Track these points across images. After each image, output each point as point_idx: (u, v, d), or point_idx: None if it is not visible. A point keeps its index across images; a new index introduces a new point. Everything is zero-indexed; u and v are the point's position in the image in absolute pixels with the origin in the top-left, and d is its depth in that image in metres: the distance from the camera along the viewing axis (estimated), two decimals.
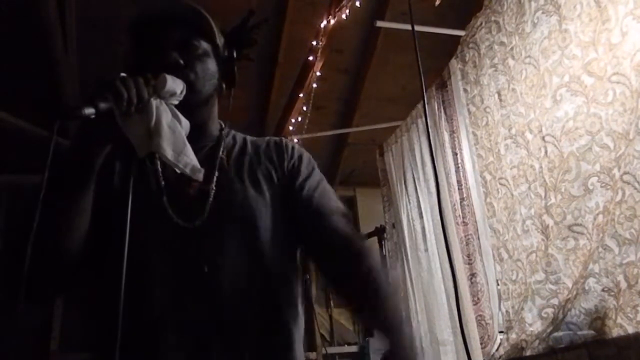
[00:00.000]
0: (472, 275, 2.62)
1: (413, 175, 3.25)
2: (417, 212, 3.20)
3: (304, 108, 3.95)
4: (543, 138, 2.12)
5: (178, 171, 0.83)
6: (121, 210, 0.81)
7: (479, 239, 2.61)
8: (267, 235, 0.95)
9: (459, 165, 2.74)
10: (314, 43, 3.46)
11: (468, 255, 2.66)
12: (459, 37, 2.77)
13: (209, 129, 1.04)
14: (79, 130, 0.81)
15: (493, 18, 2.46)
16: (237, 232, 0.92)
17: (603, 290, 1.81)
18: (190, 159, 0.83)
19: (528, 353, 2.10)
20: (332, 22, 3.28)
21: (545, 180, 2.09)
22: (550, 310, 2.04)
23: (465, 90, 2.69)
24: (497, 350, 2.38)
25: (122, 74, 0.79)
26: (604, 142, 1.84)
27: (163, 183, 0.93)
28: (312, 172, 1.06)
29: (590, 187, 1.89)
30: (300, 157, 1.07)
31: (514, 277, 2.26)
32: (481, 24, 2.55)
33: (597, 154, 1.87)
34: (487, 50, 2.50)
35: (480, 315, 2.54)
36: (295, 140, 4.11)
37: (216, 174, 0.96)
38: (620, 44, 1.80)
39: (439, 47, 3.25)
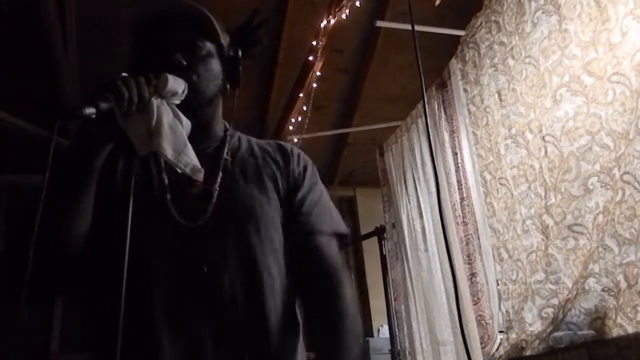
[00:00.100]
0: (472, 275, 2.62)
1: (413, 175, 3.25)
2: (417, 212, 3.20)
3: (304, 108, 3.95)
4: (543, 138, 2.12)
5: (179, 171, 0.83)
6: (122, 210, 0.81)
7: (479, 239, 2.61)
8: (270, 237, 0.95)
9: (459, 165, 2.74)
10: (314, 43, 3.47)
11: (468, 255, 2.66)
12: (459, 37, 2.77)
13: (213, 129, 1.03)
14: (79, 130, 0.81)
15: (493, 18, 2.46)
16: (240, 233, 0.92)
17: (603, 290, 1.81)
18: (190, 159, 0.83)
19: (528, 353, 2.10)
20: (332, 22, 3.28)
21: (545, 180, 2.10)
22: (550, 310, 2.04)
23: (465, 90, 2.69)
24: (497, 350, 2.38)
25: (124, 74, 0.79)
26: (604, 142, 1.84)
27: (166, 181, 0.93)
28: (315, 186, 1.06)
29: (590, 187, 1.89)
30: (305, 168, 1.06)
31: (514, 277, 2.26)
32: (481, 23, 2.55)
33: (597, 154, 1.87)
34: (487, 50, 2.50)
35: (480, 315, 2.54)
36: (295, 140, 4.11)
37: (220, 174, 0.96)
38: (620, 44, 1.80)
39: (439, 47, 3.25)
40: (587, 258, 1.88)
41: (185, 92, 0.88)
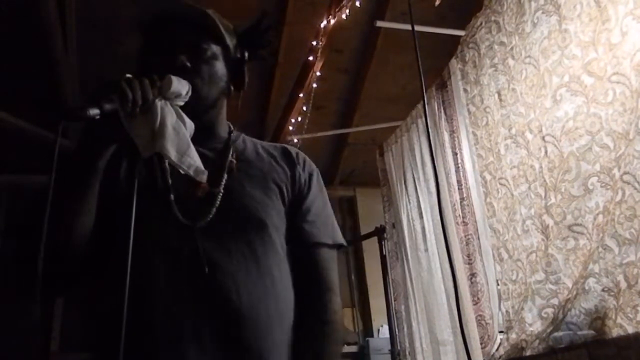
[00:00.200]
0: (472, 275, 2.62)
1: (413, 175, 3.25)
2: (417, 212, 3.20)
3: (304, 108, 3.95)
4: (543, 138, 2.12)
5: (182, 172, 0.83)
6: (126, 211, 0.81)
7: (479, 239, 2.61)
8: (274, 239, 0.95)
9: (459, 165, 2.74)
10: (314, 43, 3.47)
11: (468, 255, 2.66)
12: (459, 37, 2.77)
13: (217, 131, 1.03)
14: (83, 131, 0.82)
15: (493, 18, 2.46)
16: (243, 235, 0.92)
17: (603, 290, 1.81)
18: (193, 160, 0.83)
19: (528, 353, 2.10)
20: (332, 22, 3.28)
21: (545, 180, 2.10)
22: (550, 310, 2.04)
23: (465, 90, 2.69)
24: (497, 350, 2.38)
25: (128, 75, 0.79)
26: (604, 142, 1.84)
27: (170, 182, 0.93)
28: (320, 194, 1.07)
29: (590, 187, 1.89)
30: (311, 175, 1.07)
31: (514, 277, 2.26)
32: (481, 24, 2.55)
33: (597, 154, 1.87)
34: (487, 50, 2.50)
35: (480, 315, 2.54)
36: (295, 140, 4.11)
37: (225, 176, 0.96)
38: (620, 44, 1.80)
39: (439, 47, 3.25)
40: (587, 258, 1.88)
41: (189, 93, 0.88)
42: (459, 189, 2.74)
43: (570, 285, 1.95)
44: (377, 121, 4.31)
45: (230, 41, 1.02)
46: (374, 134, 4.57)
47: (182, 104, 0.86)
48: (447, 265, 2.65)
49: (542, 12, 2.15)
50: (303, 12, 3.86)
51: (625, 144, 1.74)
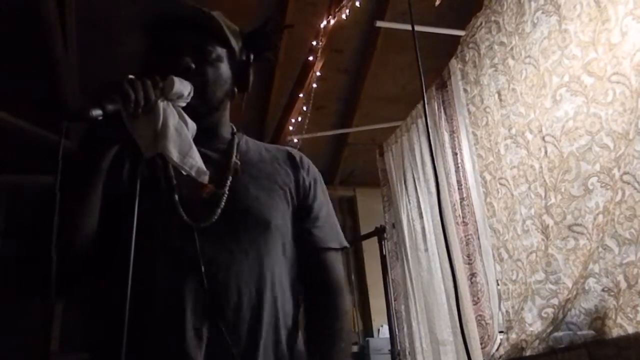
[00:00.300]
0: (472, 275, 2.62)
1: (413, 175, 3.25)
2: (417, 212, 3.20)
3: (304, 108, 3.95)
4: (543, 138, 2.12)
5: (184, 173, 0.83)
6: (129, 211, 0.81)
7: (479, 239, 2.61)
8: (276, 240, 0.96)
9: (459, 165, 2.74)
10: (314, 43, 3.47)
11: (468, 255, 2.66)
12: (459, 37, 2.77)
13: (220, 132, 1.04)
14: (86, 132, 0.82)
15: (493, 18, 2.46)
16: (247, 235, 0.93)
17: (603, 290, 1.81)
18: (195, 161, 0.84)
19: (528, 353, 2.10)
20: (332, 22, 3.28)
21: (545, 180, 2.10)
22: (550, 310, 2.04)
23: (465, 90, 2.69)
24: (497, 350, 2.38)
25: (130, 76, 0.80)
26: (603, 142, 1.84)
27: (174, 182, 0.93)
28: (325, 199, 1.09)
29: (590, 187, 1.89)
30: (315, 180, 1.09)
31: (514, 277, 2.26)
32: (481, 24, 2.55)
33: (597, 154, 1.87)
34: (487, 50, 2.50)
35: (480, 315, 2.54)
36: (295, 140, 4.11)
37: (230, 177, 0.97)
38: (620, 44, 1.80)
39: (439, 47, 3.25)
40: (587, 258, 1.88)
41: (191, 94, 0.88)
42: (459, 189, 2.74)
43: (570, 285, 1.95)
44: (377, 121, 4.31)
45: (235, 44, 1.02)
46: (374, 134, 4.57)
47: (184, 104, 0.87)
48: (447, 265, 2.65)
49: (542, 12, 2.15)
50: (303, 12, 3.86)
51: (625, 144, 1.74)
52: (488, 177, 2.46)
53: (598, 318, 1.81)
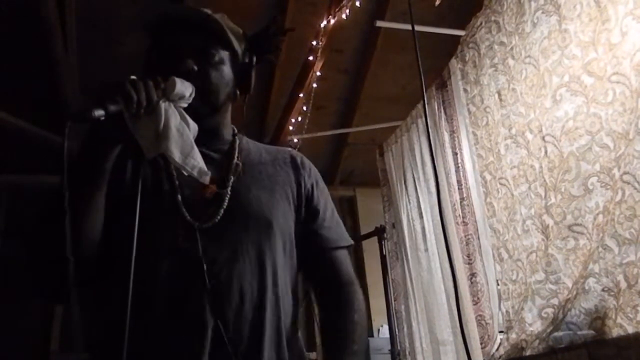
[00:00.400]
0: (472, 275, 2.62)
1: (413, 175, 3.25)
2: (417, 212, 3.20)
3: (304, 108, 3.95)
4: (543, 138, 2.12)
5: (185, 173, 0.84)
6: (131, 211, 0.82)
7: (479, 239, 2.61)
8: (278, 239, 0.96)
9: (459, 165, 2.74)
10: (314, 43, 3.47)
11: (468, 255, 2.66)
12: (459, 37, 2.77)
13: (221, 133, 1.04)
14: (89, 132, 0.82)
15: (493, 18, 2.46)
16: (250, 235, 0.93)
17: (603, 290, 1.81)
18: (197, 162, 0.84)
19: (528, 353, 2.10)
20: (332, 22, 3.28)
21: (545, 180, 2.10)
22: (550, 310, 2.04)
23: (465, 90, 2.69)
24: (497, 350, 2.38)
25: (132, 77, 0.80)
26: (603, 142, 1.84)
27: (177, 182, 0.93)
28: (327, 200, 1.10)
29: (590, 187, 1.89)
30: (317, 181, 1.10)
31: (514, 277, 2.26)
32: (481, 23, 2.55)
33: (597, 154, 1.87)
34: (487, 50, 2.50)
35: (480, 315, 2.54)
36: (295, 140, 4.11)
37: (232, 178, 0.97)
38: (620, 44, 1.80)
39: (439, 47, 3.25)
40: (587, 258, 1.88)
41: (193, 95, 0.89)
42: (459, 189, 2.74)
43: (570, 285, 1.95)
44: (377, 121, 4.31)
45: (238, 46, 1.02)
46: (374, 134, 4.56)
47: (185, 105, 0.87)
48: (447, 265, 2.65)
49: (542, 12, 2.15)
50: (303, 12, 3.86)
51: (625, 144, 1.75)
52: (488, 177, 2.46)
53: (598, 318, 1.81)
